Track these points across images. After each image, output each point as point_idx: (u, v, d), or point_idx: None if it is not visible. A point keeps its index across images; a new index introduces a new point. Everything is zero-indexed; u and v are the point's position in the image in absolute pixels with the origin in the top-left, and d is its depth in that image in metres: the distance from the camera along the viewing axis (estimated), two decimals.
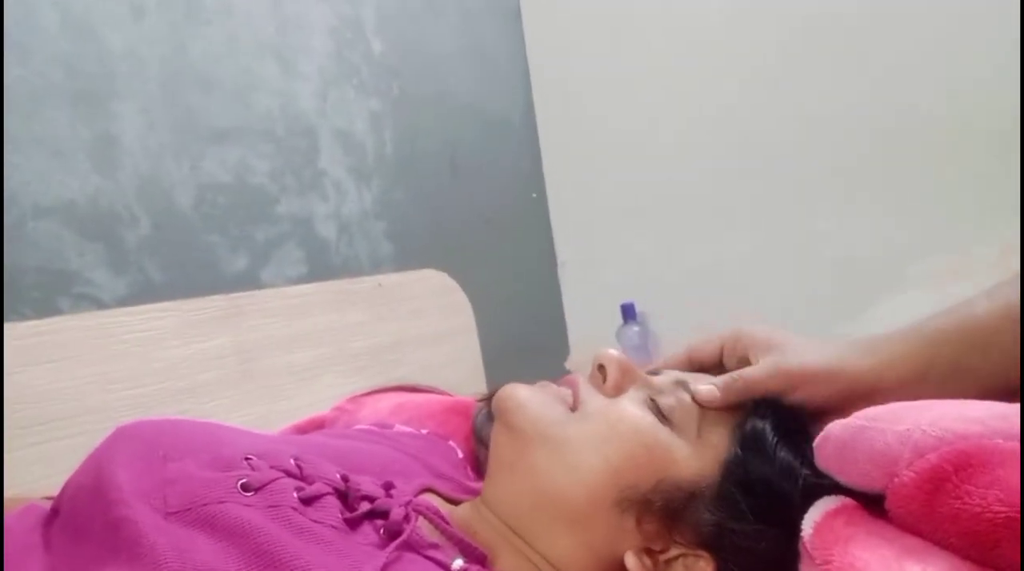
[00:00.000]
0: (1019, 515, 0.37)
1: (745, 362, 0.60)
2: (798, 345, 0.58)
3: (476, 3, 1.65)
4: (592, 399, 0.57)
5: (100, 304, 0.99)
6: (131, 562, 0.42)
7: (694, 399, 0.56)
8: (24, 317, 0.92)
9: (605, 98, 1.66)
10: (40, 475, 0.82)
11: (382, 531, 0.50)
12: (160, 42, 1.10)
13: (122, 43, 1.05)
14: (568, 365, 1.73)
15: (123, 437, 0.54)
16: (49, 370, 0.87)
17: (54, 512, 0.52)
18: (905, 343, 0.54)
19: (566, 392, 0.58)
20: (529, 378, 0.60)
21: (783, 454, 0.53)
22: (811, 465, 0.52)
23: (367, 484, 0.54)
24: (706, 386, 0.57)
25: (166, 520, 0.45)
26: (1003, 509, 0.38)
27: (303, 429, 0.88)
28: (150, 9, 1.08)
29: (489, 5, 1.69)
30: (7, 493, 0.69)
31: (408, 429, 0.77)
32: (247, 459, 0.52)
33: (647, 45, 1.58)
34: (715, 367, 0.64)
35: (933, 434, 0.43)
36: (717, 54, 1.50)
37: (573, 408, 0.57)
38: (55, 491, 0.54)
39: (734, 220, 1.51)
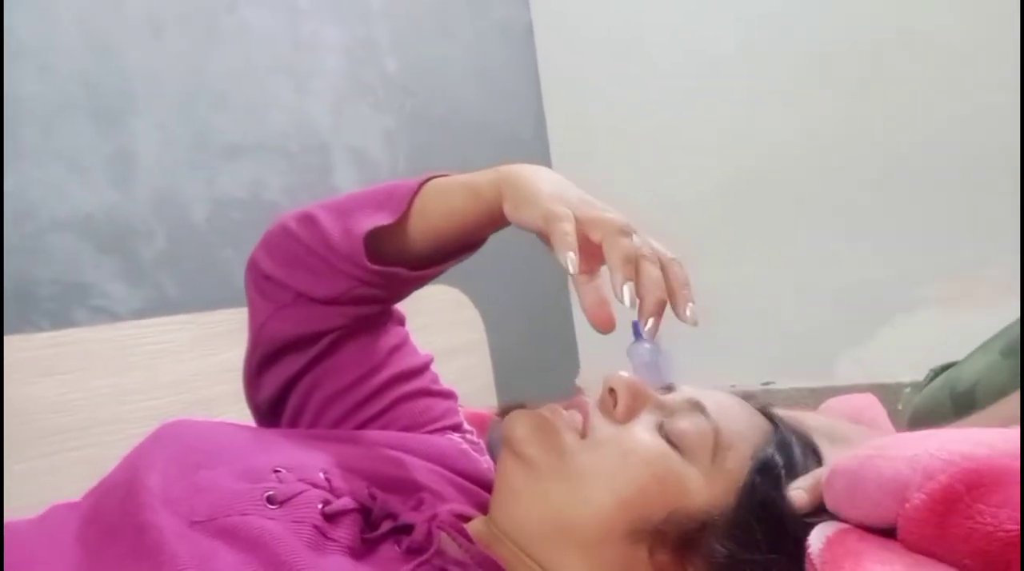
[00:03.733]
0: None
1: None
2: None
3: (489, 22, 1.67)
4: (603, 426, 0.56)
5: (115, 317, 1.00)
6: (153, 569, 0.42)
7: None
8: (40, 329, 0.93)
9: (616, 117, 1.67)
10: (50, 486, 0.82)
11: (401, 546, 0.50)
12: (178, 60, 1.11)
13: (141, 61, 1.07)
14: (579, 382, 1.73)
15: (162, 439, 0.55)
16: (64, 382, 0.88)
17: (89, 508, 0.52)
18: None
19: (576, 418, 0.57)
20: (539, 394, 0.60)
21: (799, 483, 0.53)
22: None
23: (394, 502, 0.54)
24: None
25: (190, 528, 0.46)
26: (1015, 528, 0.38)
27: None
28: (169, 28, 1.10)
29: (502, 24, 1.71)
30: (18, 502, 0.69)
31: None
32: (276, 471, 0.52)
33: (658, 65, 1.59)
34: None
35: (942, 457, 0.43)
36: (729, 75, 1.51)
37: (583, 435, 0.55)
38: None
39: (746, 239, 1.51)
